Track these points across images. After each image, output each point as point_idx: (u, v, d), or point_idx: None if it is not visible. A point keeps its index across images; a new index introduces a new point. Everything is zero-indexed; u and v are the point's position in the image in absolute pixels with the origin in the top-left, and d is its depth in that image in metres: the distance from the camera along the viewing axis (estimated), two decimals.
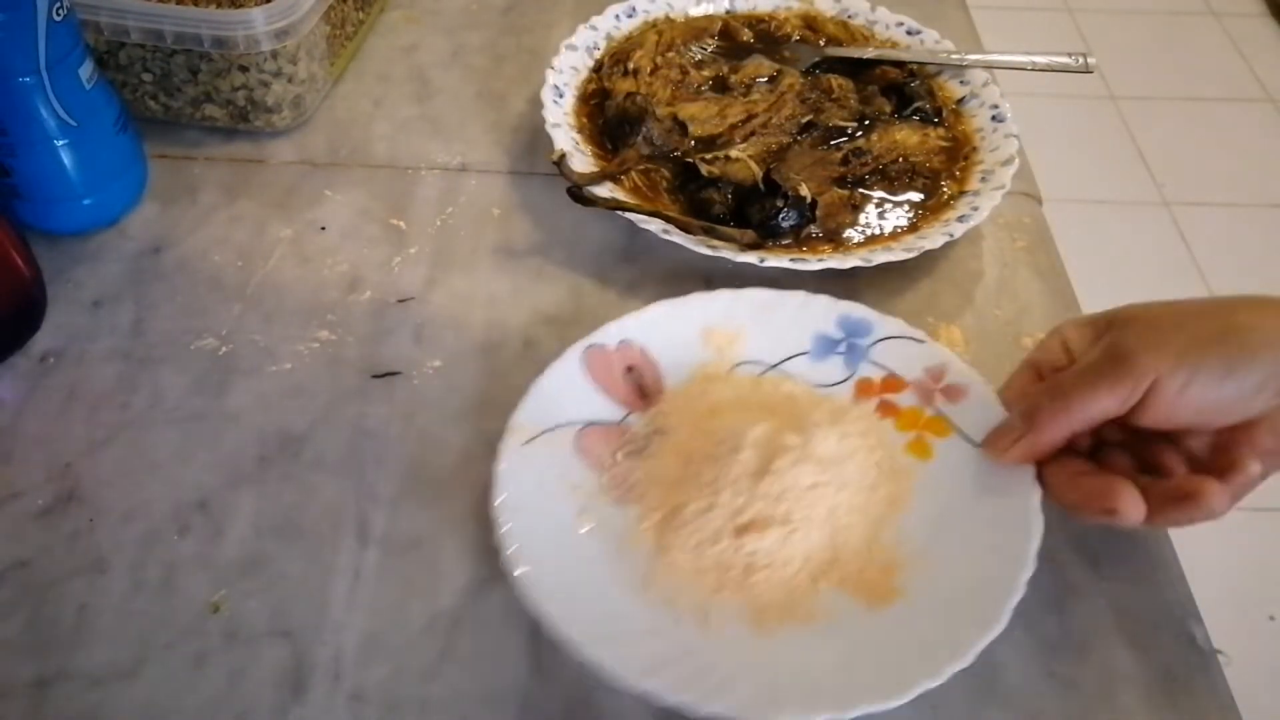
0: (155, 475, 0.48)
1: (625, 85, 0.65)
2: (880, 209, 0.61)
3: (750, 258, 0.55)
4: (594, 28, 0.69)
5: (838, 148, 0.63)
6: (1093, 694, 0.42)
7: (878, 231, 0.60)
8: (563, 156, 0.58)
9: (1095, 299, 0.53)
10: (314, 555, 0.45)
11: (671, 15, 0.72)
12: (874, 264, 0.55)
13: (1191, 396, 0.41)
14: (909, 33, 0.71)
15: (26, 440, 0.49)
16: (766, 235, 0.57)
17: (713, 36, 0.72)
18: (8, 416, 0.50)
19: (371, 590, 0.44)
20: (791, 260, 0.55)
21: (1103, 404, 0.42)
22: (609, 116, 0.63)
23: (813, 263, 0.55)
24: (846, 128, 0.64)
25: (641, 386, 0.51)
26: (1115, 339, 0.43)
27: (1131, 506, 0.41)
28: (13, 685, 0.41)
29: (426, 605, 0.44)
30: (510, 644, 0.43)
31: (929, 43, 0.70)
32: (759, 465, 0.46)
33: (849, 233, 0.59)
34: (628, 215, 0.57)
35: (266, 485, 0.48)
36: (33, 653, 0.42)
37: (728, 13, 0.73)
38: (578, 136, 0.63)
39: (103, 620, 0.43)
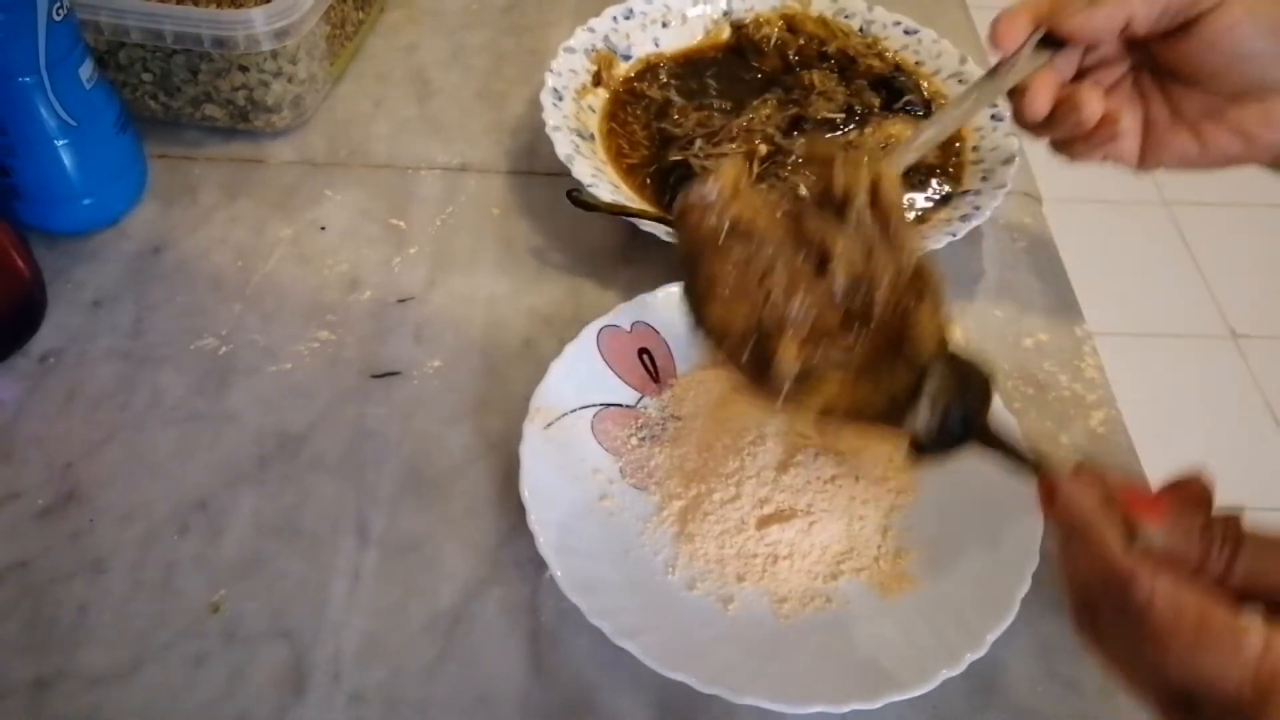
0: (155, 475, 0.48)
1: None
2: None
3: None
4: (591, 30, 0.69)
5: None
6: (1093, 694, 0.42)
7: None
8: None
9: (1095, 299, 0.54)
10: (314, 555, 0.45)
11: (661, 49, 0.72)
12: None
13: (1236, 36, 0.43)
14: (906, 32, 0.71)
15: (26, 440, 0.49)
16: None
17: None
18: (8, 416, 0.50)
19: (371, 590, 0.44)
20: None
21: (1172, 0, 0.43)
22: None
23: None
24: (835, 120, 0.64)
25: (654, 369, 0.51)
26: None
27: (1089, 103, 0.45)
28: (13, 685, 0.41)
29: (426, 605, 0.44)
30: (510, 644, 0.43)
31: (926, 42, 0.70)
32: (783, 457, 0.47)
33: None
34: (629, 219, 0.57)
35: (266, 485, 0.48)
36: (33, 653, 0.42)
37: (725, 14, 0.73)
38: (605, 161, 0.63)
39: (102, 620, 0.43)
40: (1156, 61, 0.47)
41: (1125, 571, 0.28)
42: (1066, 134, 0.46)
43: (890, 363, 0.38)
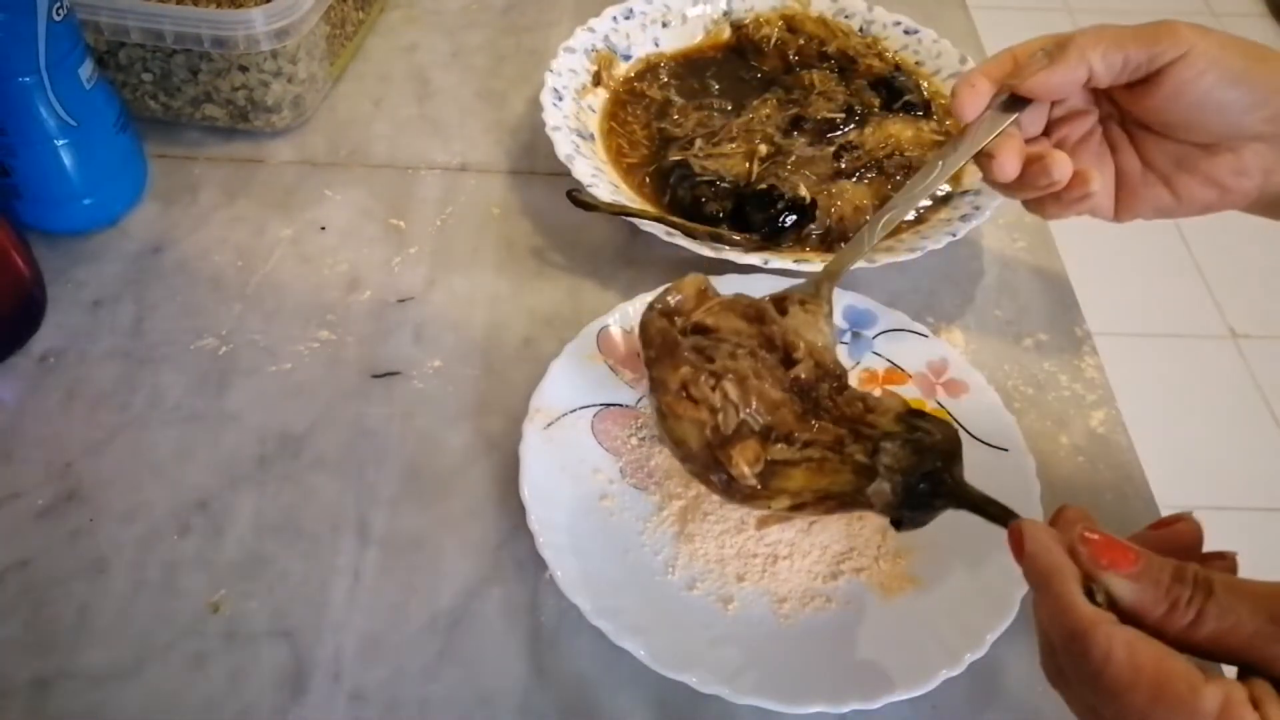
0: (155, 475, 0.48)
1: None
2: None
3: (754, 259, 0.55)
4: (591, 30, 0.69)
5: (830, 142, 0.63)
6: None
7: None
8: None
9: (1095, 299, 0.54)
10: (314, 555, 0.45)
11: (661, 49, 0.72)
12: (877, 264, 0.55)
13: (1201, 87, 0.42)
14: (906, 32, 0.71)
15: (26, 440, 0.49)
16: (769, 238, 0.57)
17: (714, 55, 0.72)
18: (8, 416, 0.50)
19: (371, 590, 0.44)
20: (795, 262, 0.55)
21: (1132, 53, 0.43)
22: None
23: (816, 264, 0.55)
24: (836, 119, 0.64)
25: None
26: (1162, 21, 0.43)
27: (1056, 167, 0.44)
28: (13, 685, 0.41)
29: (426, 605, 0.44)
30: (510, 644, 0.43)
31: (926, 41, 0.70)
32: None
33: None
34: (630, 219, 0.57)
35: (266, 485, 0.48)
36: (33, 653, 0.42)
37: (725, 14, 0.73)
38: (605, 161, 0.63)
39: (103, 620, 0.43)
40: (1124, 113, 0.47)
41: (1084, 625, 0.29)
42: (1038, 194, 0.46)
43: (851, 445, 0.39)
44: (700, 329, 0.43)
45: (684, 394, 0.41)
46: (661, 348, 0.43)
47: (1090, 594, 0.30)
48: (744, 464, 0.39)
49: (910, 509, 0.38)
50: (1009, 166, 0.45)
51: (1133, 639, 0.28)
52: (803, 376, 0.41)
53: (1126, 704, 0.27)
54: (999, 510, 0.36)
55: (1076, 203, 0.46)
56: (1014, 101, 0.46)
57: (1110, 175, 0.47)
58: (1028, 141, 0.46)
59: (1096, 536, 0.31)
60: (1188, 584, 0.29)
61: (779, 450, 0.40)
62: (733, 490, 0.40)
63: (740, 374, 0.41)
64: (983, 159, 0.46)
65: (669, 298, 0.44)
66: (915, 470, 0.38)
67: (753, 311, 0.44)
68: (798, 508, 0.40)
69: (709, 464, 0.40)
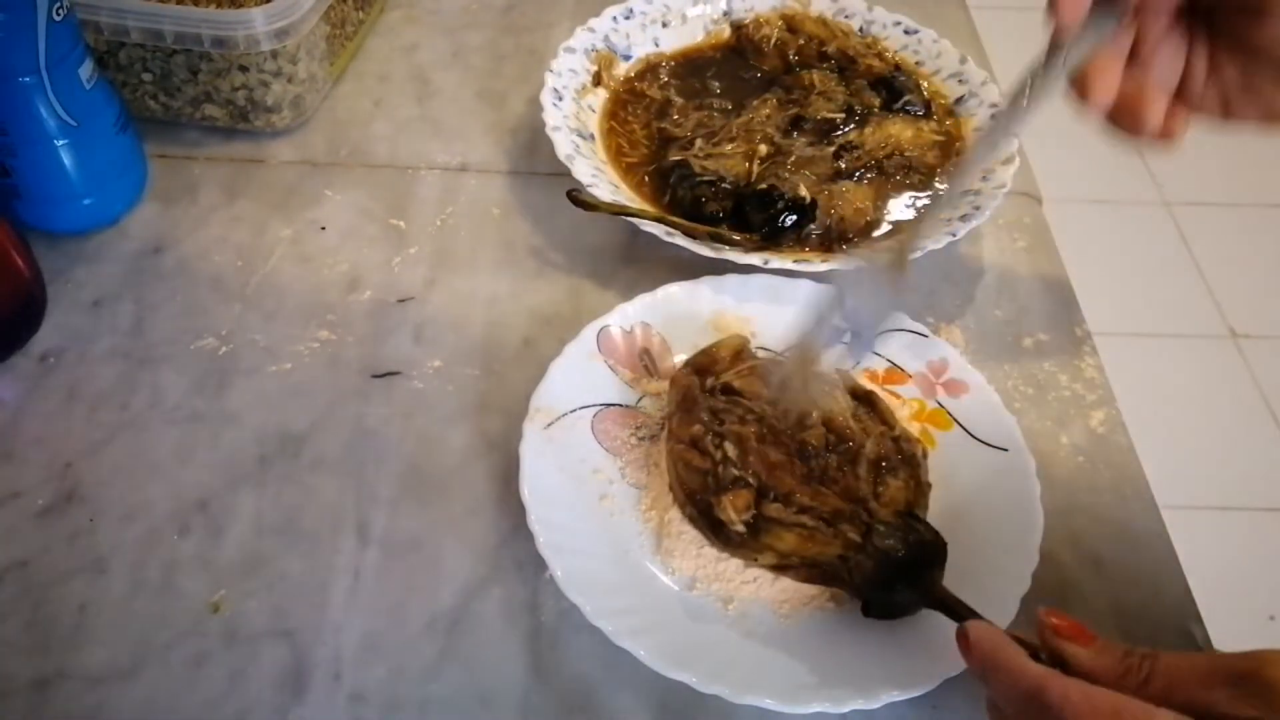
0: (155, 475, 0.48)
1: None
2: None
3: (754, 259, 0.55)
4: (591, 30, 0.69)
5: (830, 142, 0.63)
6: None
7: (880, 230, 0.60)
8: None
9: (1095, 299, 0.53)
10: (314, 555, 0.45)
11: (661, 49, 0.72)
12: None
13: None
14: (906, 32, 0.71)
15: (26, 440, 0.49)
16: (769, 239, 0.57)
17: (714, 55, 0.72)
18: (8, 416, 0.50)
19: (371, 590, 0.44)
20: (795, 262, 0.55)
21: None
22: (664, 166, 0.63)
23: (817, 264, 0.55)
24: (836, 119, 0.64)
25: (654, 369, 0.51)
26: None
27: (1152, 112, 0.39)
28: (13, 685, 0.41)
29: (426, 605, 0.44)
30: (510, 644, 0.43)
31: (926, 41, 0.70)
32: None
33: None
34: (630, 219, 0.57)
35: (266, 485, 0.48)
36: (33, 653, 0.42)
37: (725, 14, 0.73)
38: (605, 161, 0.63)
39: (103, 620, 0.43)
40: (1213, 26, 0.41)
41: (1039, 679, 0.32)
42: (1124, 133, 0.40)
43: (846, 524, 0.42)
44: (728, 390, 0.46)
45: (693, 447, 0.44)
46: (681, 403, 0.46)
47: (1037, 658, 0.34)
48: (732, 510, 0.42)
49: (884, 595, 0.41)
50: (1104, 94, 0.39)
51: (1086, 684, 0.32)
52: (811, 443, 0.45)
53: None
54: (969, 614, 0.39)
55: (1158, 140, 0.40)
56: (1100, 13, 0.38)
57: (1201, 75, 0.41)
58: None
59: (1060, 619, 0.36)
60: (1137, 655, 0.34)
61: (774, 509, 0.42)
62: (722, 536, 0.43)
63: (742, 437, 0.44)
64: (1075, 84, 0.39)
65: (704, 356, 0.48)
66: (901, 558, 0.41)
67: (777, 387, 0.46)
68: (782, 569, 0.43)
69: (704, 509, 0.43)
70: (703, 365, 0.48)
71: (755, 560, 0.43)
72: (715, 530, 0.43)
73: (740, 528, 0.42)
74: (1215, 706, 0.31)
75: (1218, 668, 0.32)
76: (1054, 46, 0.39)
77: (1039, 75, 0.39)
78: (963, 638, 0.36)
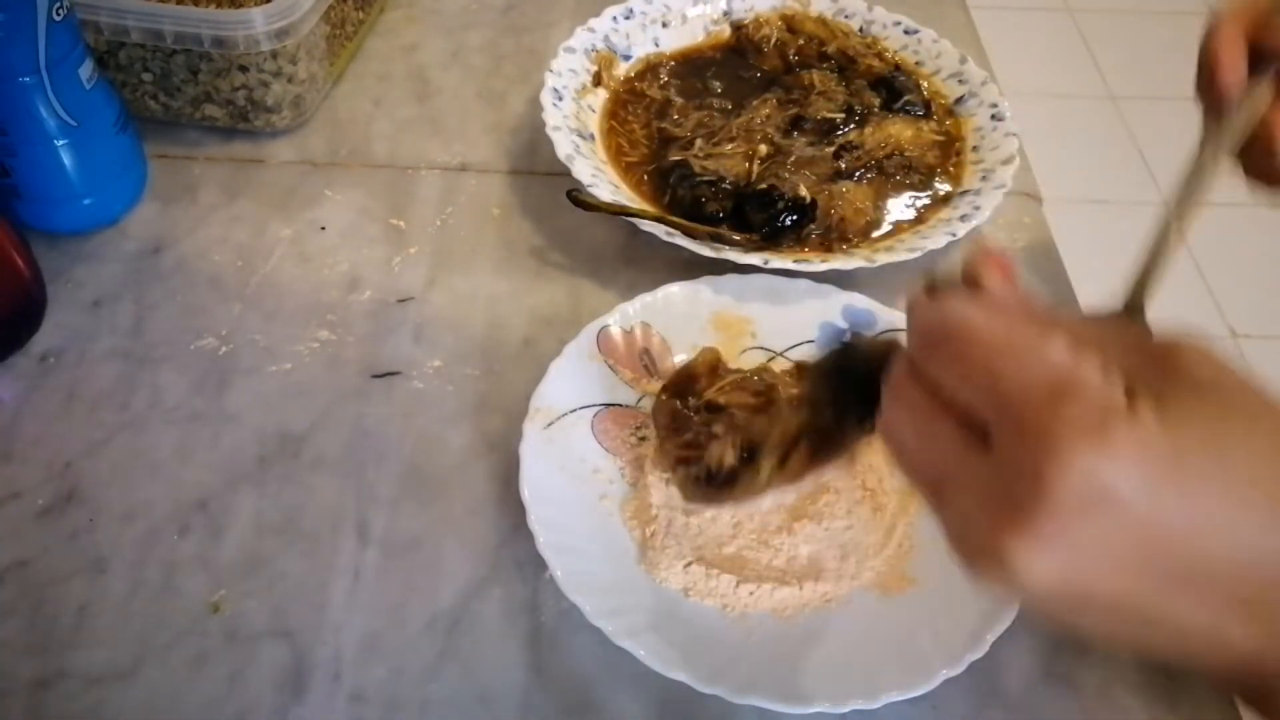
0: (155, 475, 0.48)
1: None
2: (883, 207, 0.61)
3: (754, 259, 0.55)
4: (591, 30, 0.69)
5: (831, 142, 0.63)
6: (1093, 694, 0.42)
7: (881, 230, 0.60)
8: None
9: (1095, 299, 0.53)
10: (314, 555, 0.45)
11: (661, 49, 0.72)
12: (877, 264, 0.55)
13: None
14: (906, 32, 0.71)
15: (26, 440, 0.49)
16: (770, 239, 0.57)
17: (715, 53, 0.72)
18: (8, 416, 0.50)
19: (371, 590, 0.44)
20: (795, 262, 0.55)
21: None
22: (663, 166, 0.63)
23: (817, 264, 0.55)
24: (836, 119, 0.65)
25: (654, 369, 0.51)
26: None
27: None
28: (13, 685, 0.41)
29: (426, 605, 0.44)
30: (510, 644, 0.43)
31: (926, 41, 0.70)
32: None
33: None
34: (630, 219, 0.57)
35: (266, 485, 0.48)
36: (33, 653, 0.42)
37: (725, 14, 0.73)
38: (605, 161, 0.63)
39: (103, 620, 0.43)
40: None
41: (944, 307, 0.27)
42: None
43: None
44: (712, 407, 0.45)
45: (687, 448, 0.42)
46: (670, 424, 0.45)
47: None
48: (720, 453, 0.40)
49: (853, 396, 0.35)
50: None
51: (989, 308, 0.27)
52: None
53: (970, 360, 0.26)
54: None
55: None
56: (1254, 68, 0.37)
57: None
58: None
59: (995, 254, 0.30)
60: (1047, 309, 0.28)
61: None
62: (725, 489, 0.40)
63: (731, 424, 0.42)
64: (1244, 151, 0.37)
65: (680, 377, 0.47)
66: (834, 364, 0.37)
67: (762, 388, 0.44)
68: (784, 463, 0.39)
69: (707, 489, 0.41)
70: (681, 386, 0.46)
71: (759, 476, 0.39)
72: (720, 486, 0.40)
73: (733, 460, 0.39)
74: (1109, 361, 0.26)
75: (1129, 338, 0.27)
76: (1210, 125, 0.36)
77: (1206, 157, 0.38)
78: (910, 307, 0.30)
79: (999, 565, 0.24)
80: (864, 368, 0.36)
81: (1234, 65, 0.36)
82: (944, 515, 0.27)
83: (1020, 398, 0.24)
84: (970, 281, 0.30)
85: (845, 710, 0.39)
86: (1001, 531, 0.24)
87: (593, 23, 0.69)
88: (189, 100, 0.63)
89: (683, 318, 0.53)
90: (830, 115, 0.65)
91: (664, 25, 0.72)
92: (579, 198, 0.58)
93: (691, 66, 0.71)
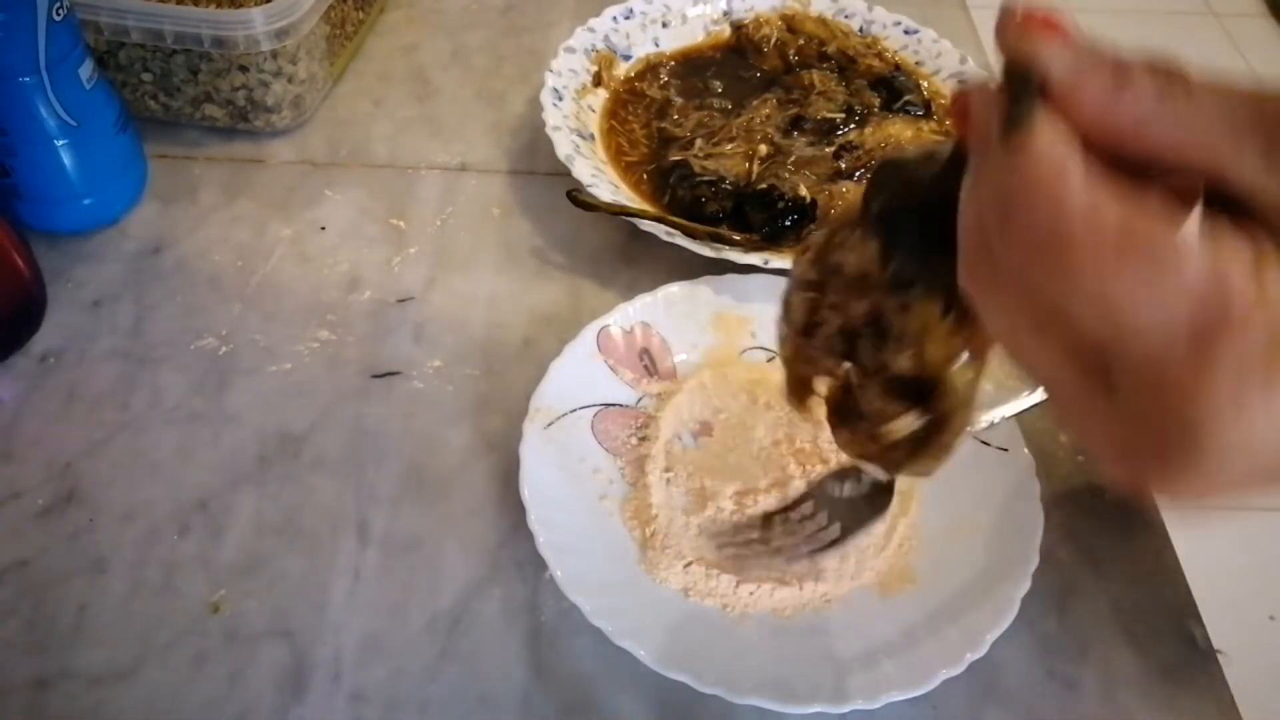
0: (155, 475, 0.48)
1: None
2: None
3: (754, 259, 0.55)
4: (591, 30, 0.69)
5: (831, 142, 0.63)
6: (1093, 694, 0.43)
7: None
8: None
9: None
10: (314, 555, 0.45)
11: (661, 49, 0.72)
12: None
13: None
14: (906, 32, 0.71)
15: (26, 440, 0.49)
16: (770, 239, 0.57)
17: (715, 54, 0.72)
18: (8, 416, 0.50)
19: (371, 590, 0.44)
20: None
21: None
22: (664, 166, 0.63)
23: None
24: (836, 119, 0.65)
25: (654, 369, 0.51)
26: None
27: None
28: (13, 685, 0.41)
29: (426, 605, 0.44)
30: (510, 644, 0.43)
31: (926, 42, 0.70)
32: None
33: None
34: (630, 219, 0.57)
35: (266, 485, 0.48)
36: (33, 653, 0.42)
37: (725, 14, 0.73)
38: (605, 161, 0.63)
39: (103, 620, 0.43)
40: None
41: (1013, 176, 0.21)
42: None
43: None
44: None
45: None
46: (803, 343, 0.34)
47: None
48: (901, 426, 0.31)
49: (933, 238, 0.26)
50: None
51: (1094, 187, 0.20)
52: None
53: (1080, 273, 0.20)
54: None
55: None
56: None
57: None
58: None
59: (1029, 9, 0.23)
60: (1141, 69, 0.21)
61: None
62: (934, 436, 0.31)
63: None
64: None
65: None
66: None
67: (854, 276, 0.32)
68: (973, 350, 0.30)
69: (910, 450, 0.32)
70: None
71: (960, 390, 0.30)
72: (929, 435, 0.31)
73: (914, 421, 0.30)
74: (1240, 176, 0.20)
75: (1261, 112, 0.20)
76: None
77: None
78: (961, 110, 0.24)
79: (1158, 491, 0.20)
80: (926, 197, 0.26)
81: None
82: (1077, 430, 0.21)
83: (1153, 342, 0.19)
84: (1016, 68, 0.22)
85: (845, 710, 0.39)
86: (1150, 486, 0.20)
87: (593, 23, 0.69)
88: (189, 100, 0.63)
89: (683, 318, 0.53)
90: (830, 115, 0.65)
91: (664, 25, 0.72)
92: (579, 198, 0.58)
93: (691, 66, 0.71)
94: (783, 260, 0.55)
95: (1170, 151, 0.21)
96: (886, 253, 0.28)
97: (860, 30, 0.72)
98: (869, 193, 0.29)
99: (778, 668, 0.41)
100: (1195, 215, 0.19)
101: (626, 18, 0.70)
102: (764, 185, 0.59)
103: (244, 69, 0.61)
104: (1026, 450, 0.47)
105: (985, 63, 0.71)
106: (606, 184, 0.59)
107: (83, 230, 0.58)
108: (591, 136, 0.64)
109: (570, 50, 0.67)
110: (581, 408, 0.49)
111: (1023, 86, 0.22)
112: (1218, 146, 0.20)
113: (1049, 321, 0.21)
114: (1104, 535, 0.47)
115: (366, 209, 0.62)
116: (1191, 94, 0.20)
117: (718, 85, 0.69)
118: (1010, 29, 0.22)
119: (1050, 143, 0.21)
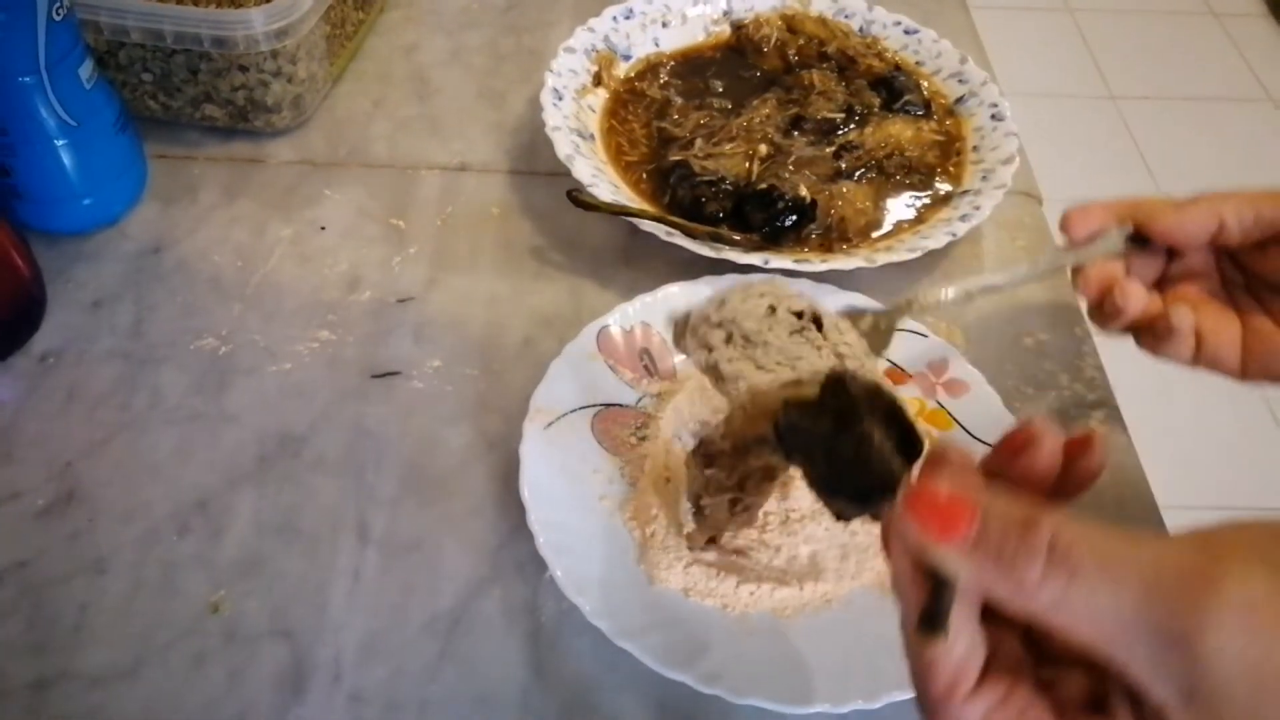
0: (155, 475, 0.48)
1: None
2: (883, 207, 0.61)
3: (754, 259, 0.55)
4: (591, 30, 0.69)
5: (830, 142, 0.63)
6: None
7: (881, 230, 0.60)
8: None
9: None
10: (314, 555, 0.45)
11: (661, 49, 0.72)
12: (877, 265, 0.55)
13: None
14: (906, 32, 0.71)
15: (26, 440, 0.49)
16: (770, 239, 0.57)
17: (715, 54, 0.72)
18: (8, 416, 0.50)
19: (371, 590, 0.44)
20: (795, 262, 0.55)
21: (1265, 210, 0.43)
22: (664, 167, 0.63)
23: (817, 264, 0.55)
24: (836, 119, 0.65)
25: (654, 369, 0.51)
26: None
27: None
28: (13, 685, 0.41)
29: (426, 605, 0.44)
30: (510, 644, 0.43)
31: (926, 42, 0.70)
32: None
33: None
34: (630, 219, 0.57)
35: (266, 485, 0.48)
36: (33, 653, 0.42)
37: (725, 14, 0.73)
38: (605, 161, 0.63)
39: (103, 620, 0.43)
40: (1253, 276, 0.46)
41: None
42: (1118, 326, 0.45)
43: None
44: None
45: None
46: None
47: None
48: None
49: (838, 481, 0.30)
50: (1090, 289, 0.45)
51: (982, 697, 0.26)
52: None
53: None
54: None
55: (1166, 343, 0.44)
56: (1135, 241, 0.45)
57: (1235, 335, 0.45)
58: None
59: (925, 494, 0.25)
60: (1038, 554, 0.24)
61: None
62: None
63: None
64: (1076, 278, 0.46)
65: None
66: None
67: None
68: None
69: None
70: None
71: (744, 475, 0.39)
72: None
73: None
74: (1128, 668, 0.24)
75: (1143, 616, 0.23)
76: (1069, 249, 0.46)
77: (1042, 259, 0.47)
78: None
79: None
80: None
81: (1077, 226, 0.46)
82: None
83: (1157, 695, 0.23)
84: (918, 554, 0.26)
85: (845, 710, 0.39)
86: None
87: (593, 23, 0.69)
88: (189, 100, 0.63)
89: None
90: (830, 115, 0.65)
91: (664, 25, 0.72)
92: (579, 198, 0.58)
93: (691, 66, 0.71)
94: (783, 260, 0.55)
95: (1076, 639, 0.24)
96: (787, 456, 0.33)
97: (860, 30, 0.72)
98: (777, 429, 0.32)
99: (778, 668, 0.41)
100: None
101: (626, 17, 0.70)
102: (764, 185, 0.59)
103: (244, 69, 0.61)
104: None
105: (985, 63, 0.71)
106: (606, 184, 0.59)
107: (83, 230, 0.58)
108: (591, 136, 0.64)
109: (570, 50, 0.67)
110: (581, 408, 0.49)
111: (939, 590, 0.25)
112: (1112, 643, 0.24)
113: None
114: None
115: (366, 209, 0.62)
116: (1076, 580, 0.24)
117: (718, 85, 0.69)
118: (914, 527, 0.26)
119: (955, 658, 0.26)
